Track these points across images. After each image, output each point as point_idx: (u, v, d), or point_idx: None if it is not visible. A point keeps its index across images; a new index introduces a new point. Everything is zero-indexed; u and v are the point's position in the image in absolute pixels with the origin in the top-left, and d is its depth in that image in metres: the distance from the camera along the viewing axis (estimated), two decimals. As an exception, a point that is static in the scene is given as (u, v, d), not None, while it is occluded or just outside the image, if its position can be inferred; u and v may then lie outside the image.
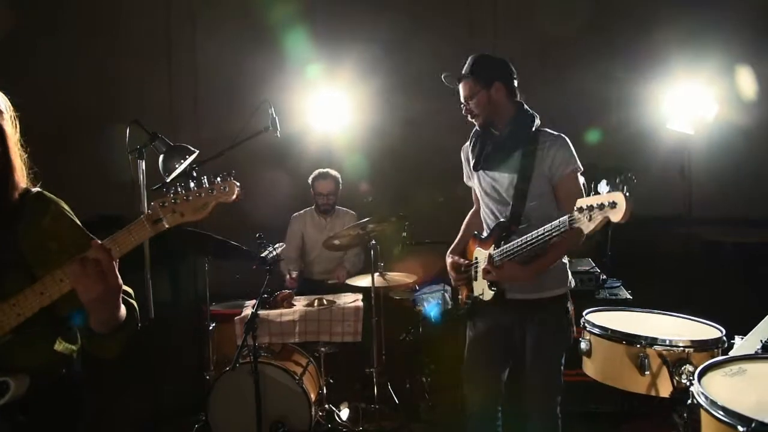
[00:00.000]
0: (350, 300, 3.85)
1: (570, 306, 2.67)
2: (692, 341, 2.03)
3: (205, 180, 1.55)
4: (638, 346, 2.06)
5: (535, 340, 2.61)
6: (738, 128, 5.47)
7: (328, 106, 5.29)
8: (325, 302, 3.78)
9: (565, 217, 2.13)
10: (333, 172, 4.70)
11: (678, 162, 5.55)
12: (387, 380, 4.14)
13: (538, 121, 2.66)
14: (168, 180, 3.43)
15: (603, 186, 1.98)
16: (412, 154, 5.48)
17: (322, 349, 3.78)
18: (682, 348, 2.01)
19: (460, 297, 2.86)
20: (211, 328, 3.75)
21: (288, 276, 4.41)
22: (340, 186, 4.72)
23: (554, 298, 2.62)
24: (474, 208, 2.97)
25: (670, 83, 5.09)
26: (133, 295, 1.76)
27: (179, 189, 1.54)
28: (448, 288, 4.54)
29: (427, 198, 5.19)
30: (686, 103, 4.97)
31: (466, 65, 2.67)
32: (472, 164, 2.76)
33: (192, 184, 1.54)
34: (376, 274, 4.06)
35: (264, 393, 3.31)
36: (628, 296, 3.92)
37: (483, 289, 2.65)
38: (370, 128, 5.59)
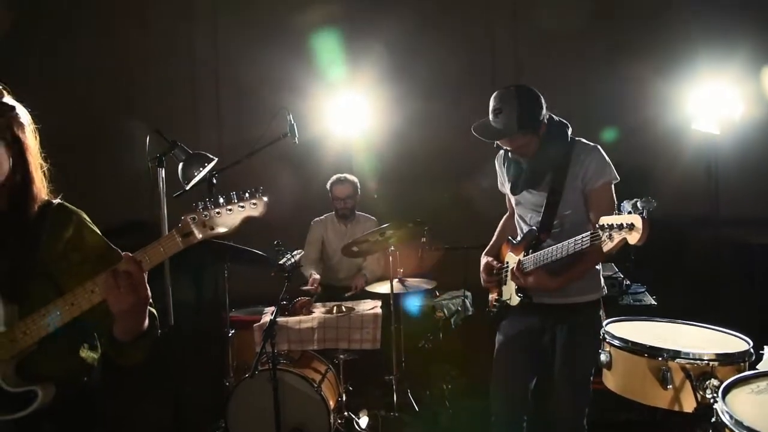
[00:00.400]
0: (369, 307, 3.83)
1: (602, 313, 2.63)
2: (717, 354, 1.97)
3: (235, 195, 1.57)
4: (660, 359, 2.00)
5: (565, 345, 2.57)
6: (765, 127, 5.38)
7: (347, 110, 5.28)
8: (343, 309, 3.76)
9: (588, 233, 2.16)
10: (351, 177, 4.69)
11: (704, 162, 5.45)
12: (407, 387, 4.11)
13: (570, 130, 2.63)
14: (187, 188, 3.46)
15: (625, 205, 1.99)
16: (431, 158, 5.44)
17: (341, 356, 3.77)
18: (706, 361, 1.95)
19: (489, 299, 2.85)
20: (230, 334, 3.75)
21: (310, 278, 4.40)
22: (359, 191, 4.71)
23: (586, 303, 2.60)
24: (509, 212, 2.96)
25: (695, 83, 5.01)
26: (152, 302, 1.78)
27: (209, 204, 1.55)
28: (469, 294, 4.49)
29: (446, 202, 5.16)
30: (712, 102, 4.87)
31: (507, 119, 2.48)
32: (508, 188, 2.75)
33: (221, 199, 1.56)
34: (395, 281, 4.04)
35: (283, 400, 3.31)
36: (653, 302, 3.84)
37: (511, 294, 2.65)
38: (389, 132, 5.57)
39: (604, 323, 2.42)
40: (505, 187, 2.81)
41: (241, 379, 3.50)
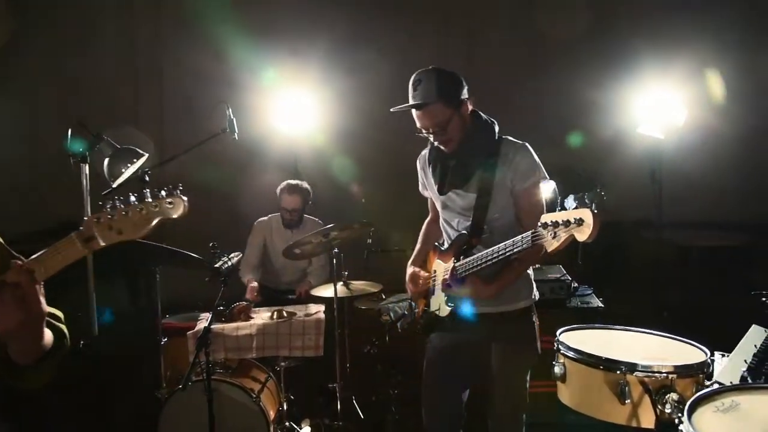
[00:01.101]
0: (312, 312, 3.64)
1: (535, 319, 2.52)
2: (676, 367, 1.88)
3: (148, 193, 1.36)
4: (617, 372, 1.90)
5: (500, 357, 2.46)
6: (708, 131, 5.48)
7: (293, 108, 5.07)
8: (285, 314, 3.56)
9: (528, 233, 2.00)
10: (303, 186, 4.38)
11: (648, 166, 5.49)
12: (351, 394, 3.95)
13: (497, 127, 2.49)
14: (114, 185, 3.20)
15: (570, 201, 1.86)
16: (379, 158, 5.29)
17: (283, 363, 3.58)
18: (665, 374, 1.86)
19: (416, 311, 2.68)
20: (162, 342, 3.50)
21: (248, 286, 4.18)
22: (310, 199, 4.43)
23: (518, 311, 2.47)
24: (431, 216, 2.79)
25: (640, 87, 5.03)
26: (62, 318, 1.56)
27: (117, 203, 1.34)
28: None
29: (393, 202, 5.02)
30: (656, 107, 4.89)
31: (426, 88, 2.32)
32: (436, 188, 2.55)
33: (132, 198, 1.35)
34: (340, 284, 3.87)
35: (219, 412, 3.08)
36: (600, 304, 3.79)
37: (440, 305, 2.46)
38: (336, 131, 5.41)
39: (558, 333, 2.32)
40: (430, 189, 2.63)
41: (173, 390, 3.26)
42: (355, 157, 5.41)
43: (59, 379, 1.58)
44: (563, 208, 1.84)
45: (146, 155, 3.18)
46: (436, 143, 2.45)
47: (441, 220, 2.62)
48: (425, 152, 2.63)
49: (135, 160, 3.08)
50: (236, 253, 3.33)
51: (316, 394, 4.01)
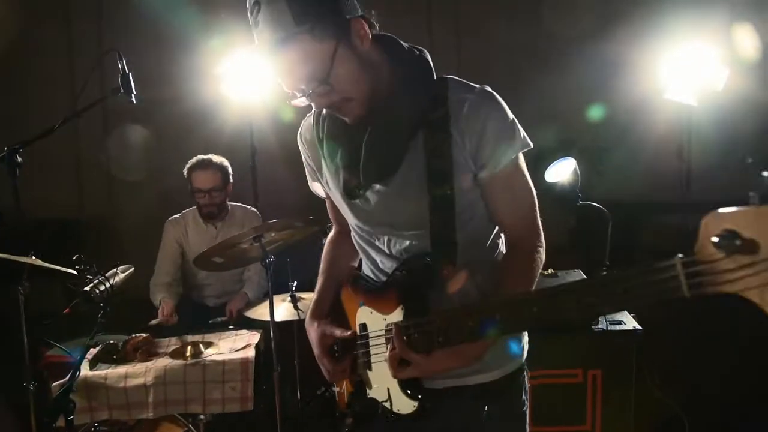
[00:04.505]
0: (239, 346, 2.61)
1: (527, 382, 1.50)
2: None
3: None
4: None
5: None
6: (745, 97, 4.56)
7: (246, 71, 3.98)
8: (201, 349, 2.53)
9: (674, 260, 0.87)
10: (217, 159, 3.40)
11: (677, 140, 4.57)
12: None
13: (430, 60, 1.39)
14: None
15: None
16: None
17: (202, 417, 2.56)
18: None
19: (337, 402, 1.60)
20: (32, 387, 2.49)
21: (161, 306, 3.17)
22: (231, 178, 3.43)
23: (512, 374, 1.45)
24: (335, 229, 1.71)
25: (668, 43, 4.04)
26: None
27: None
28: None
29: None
30: (689, 66, 3.92)
31: (272, 15, 1.20)
32: (340, 189, 1.44)
33: None
34: (286, 301, 2.87)
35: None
36: (637, 326, 2.78)
37: (388, 391, 1.38)
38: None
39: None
40: (328, 188, 1.53)
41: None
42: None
43: None
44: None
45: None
46: (324, 113, 1.41)
47: (357, 237, 1.54)
48: (308, 122, 1.52)
49: None
50: (124, 267, 2.33)
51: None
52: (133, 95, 2.61)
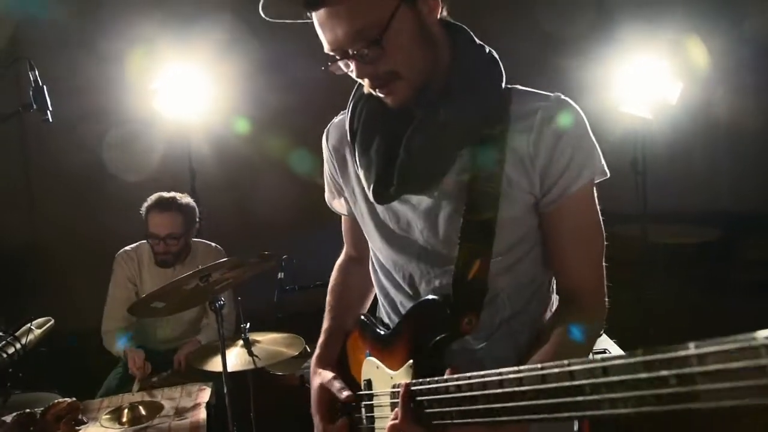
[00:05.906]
0: (188, 405, 2.29)
1: None
2: None
3: None
4: None
5: None
6: (698, 110, 4.62)
7: (181, 87, 3.70)
8: (142, 411, 2.21)
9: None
10: (183, 200, 2.94)
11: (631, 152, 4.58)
12: None
13: (502, 70, 1.18)
14: None
15: None
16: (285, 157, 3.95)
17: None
18: None
19: None
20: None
21: (130, 360, 2.73)
22: (197, 220, 3.01)
23: None
24: (349, 252, 1.49)
25: (623, 57, 4.08)
26: None
27: None
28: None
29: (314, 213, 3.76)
30: (641, 81, 3.99)
31: None
32: (370, 189, 1.18)
33: None
34: (238, 347, 2.58)
35: None
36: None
37: None
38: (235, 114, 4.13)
39: None
40: (350, 194, 1.32)
41: None
42: (259, 158, 4.14)
43: None
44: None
45: None
46: (367, 90, 1.14)
47: (374, 264, 1.33)
48: (341, 118, 1.31)
49: None
50: (39, 321, 2.03)
51: None
52: (48, 111, 2.31)
